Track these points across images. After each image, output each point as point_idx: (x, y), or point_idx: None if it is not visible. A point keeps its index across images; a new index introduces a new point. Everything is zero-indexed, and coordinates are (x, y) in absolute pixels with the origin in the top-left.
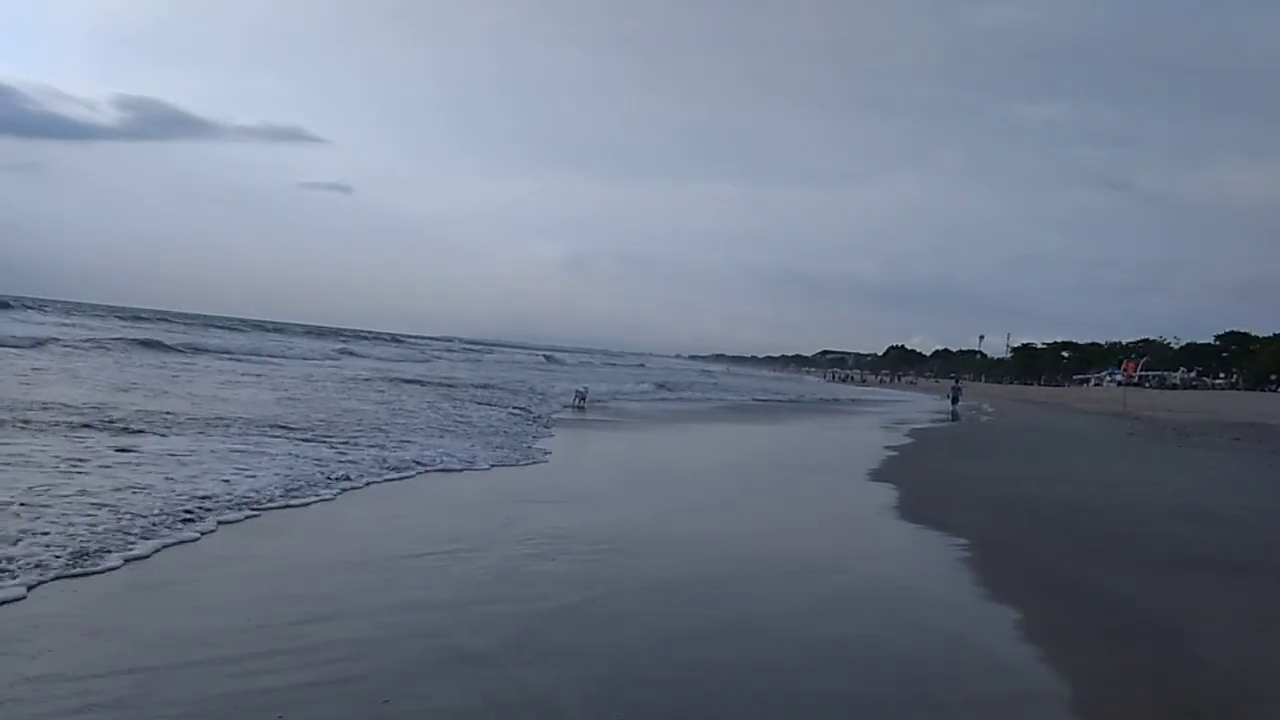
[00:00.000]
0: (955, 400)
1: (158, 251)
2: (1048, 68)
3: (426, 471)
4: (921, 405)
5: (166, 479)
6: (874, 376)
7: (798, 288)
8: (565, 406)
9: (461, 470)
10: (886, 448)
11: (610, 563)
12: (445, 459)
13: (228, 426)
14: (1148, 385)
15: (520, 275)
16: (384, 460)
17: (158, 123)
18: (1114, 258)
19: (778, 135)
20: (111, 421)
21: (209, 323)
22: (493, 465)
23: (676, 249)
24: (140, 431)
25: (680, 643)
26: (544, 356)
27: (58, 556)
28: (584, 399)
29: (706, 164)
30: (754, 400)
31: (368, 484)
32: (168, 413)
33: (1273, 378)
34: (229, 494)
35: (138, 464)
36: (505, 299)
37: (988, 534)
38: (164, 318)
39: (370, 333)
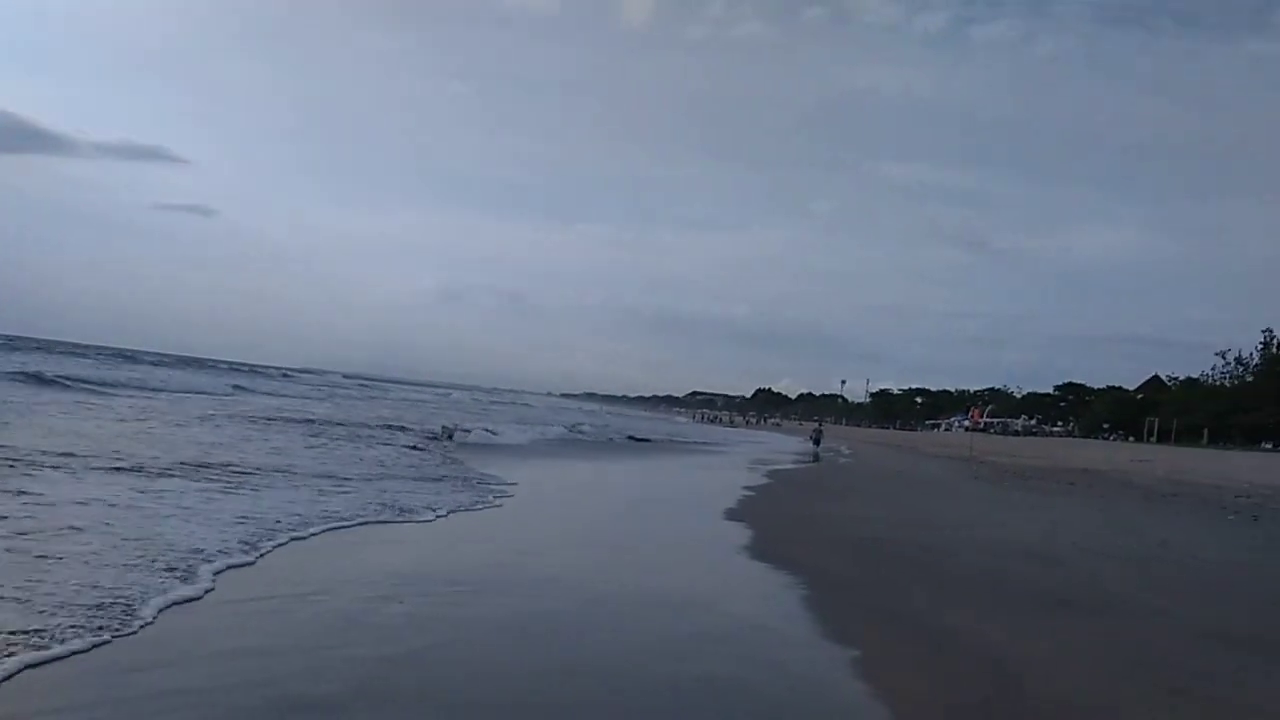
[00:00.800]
0: (817, 442)
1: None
2: (913, 130)
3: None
4: (785, 446)
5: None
6: (741, 418)
7: (670, 329)
8: (436, 439)
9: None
10: (745, 488)
11: (463, 603)
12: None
13: (190, 474)
14: (993, 431)
15: (393, 309)
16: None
17: (7, 136)
18: (967, 310)
19: (654, 181)
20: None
21: (64, 350)
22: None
23: (550, 287)
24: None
25: (531, 684)
26: (443, 393)
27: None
28: (451, 434)
29: (583, 205)
30: (629, 439)
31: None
32: (73, 453)
33: (1104, 427)
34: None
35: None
36: (378, 332)
37: (836, 573)
38: (12, 344)
39: (243, 365)
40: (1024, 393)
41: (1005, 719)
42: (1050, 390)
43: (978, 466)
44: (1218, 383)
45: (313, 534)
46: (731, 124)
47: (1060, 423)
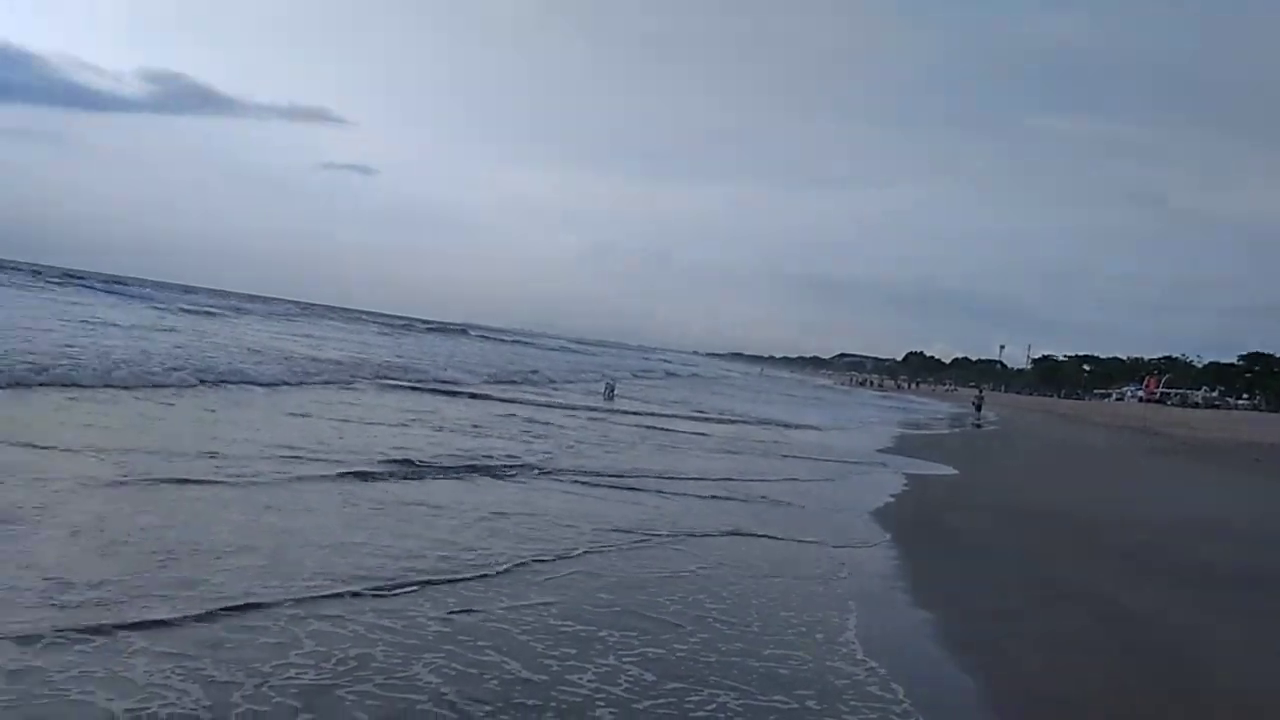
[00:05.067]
0: (979, 409)
1: (171, 225)
2: (1076, 81)
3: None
4: (942, 411)
5: None
6: (892, 382)
7: (816, 289)
8: (597, 394)
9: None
10: (886, 448)
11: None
12: None
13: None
14: (1170, 402)
15: (539, 266)
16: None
17: (182, 97)
18: (1140, 273)
19: (799, 139)
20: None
21: (233, 299)
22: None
23: (696, 246)
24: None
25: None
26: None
27: None
28: (613, 391)
29: (725, 164)
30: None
31: None
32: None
33: None
34: None
35: None
36: (524, 288)
37: (992, 542)
38: (189, 290)
39: (401, 318)
40: (1205, 362)
41: (1192, 701)
42: (1235, 360)
43: (1154, 439)
44: None
45: None
46: (875, 80)
47: (1246, 395)
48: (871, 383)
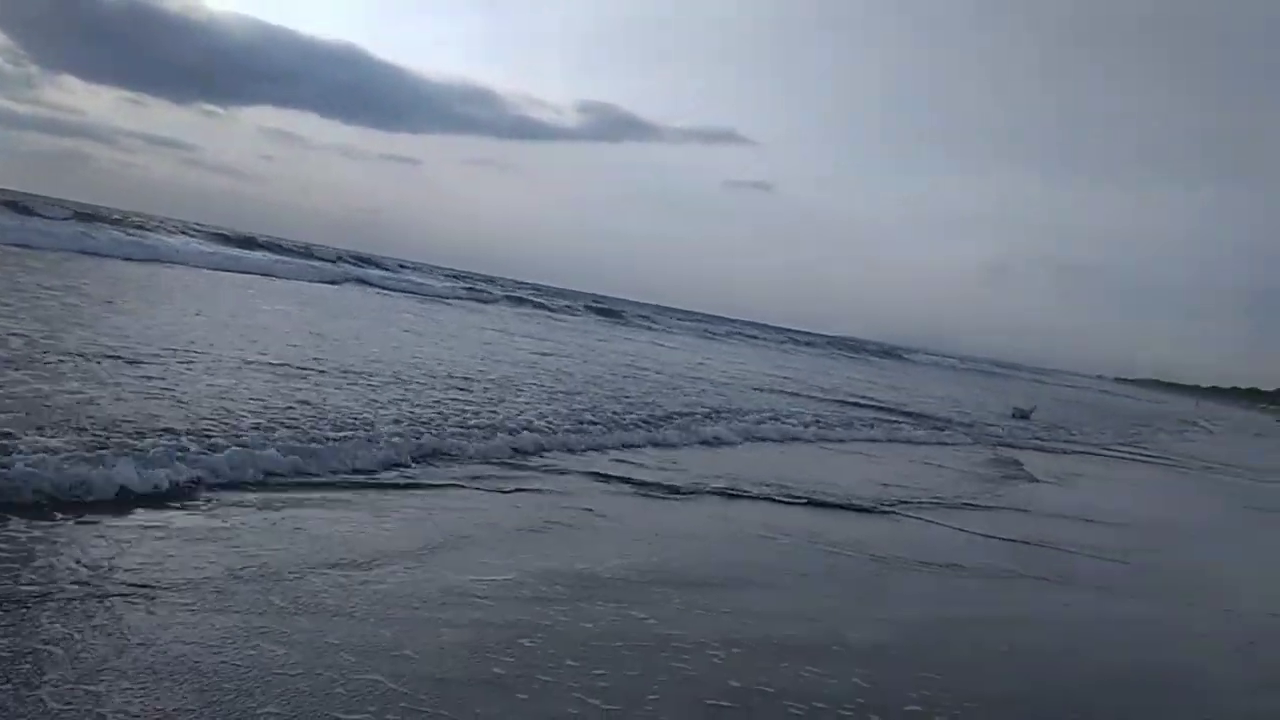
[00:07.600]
0: None
1: (601, 243)
2: None
3: None
4: None
5: None
6: None
7: (1261, 305)
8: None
9: None
10: None
11: None
12: None
13: None
14: None
15: (931, 278)
16: None
17: (610, 125)
18: None
19: (1259, 133)
20: None
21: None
22: None
23: (1119, 260)
24: None
25: None
26: None
27: None
28: (1025, 415)
29: (1162, 164)
30: None
31: None
32: None
33: None
34: None
35: None
36: (912, 302)
37: None
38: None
39: (800, 332)
40: None
41: None
42: None
43: None
44: None
45: None
46: None
47: None
48: None
